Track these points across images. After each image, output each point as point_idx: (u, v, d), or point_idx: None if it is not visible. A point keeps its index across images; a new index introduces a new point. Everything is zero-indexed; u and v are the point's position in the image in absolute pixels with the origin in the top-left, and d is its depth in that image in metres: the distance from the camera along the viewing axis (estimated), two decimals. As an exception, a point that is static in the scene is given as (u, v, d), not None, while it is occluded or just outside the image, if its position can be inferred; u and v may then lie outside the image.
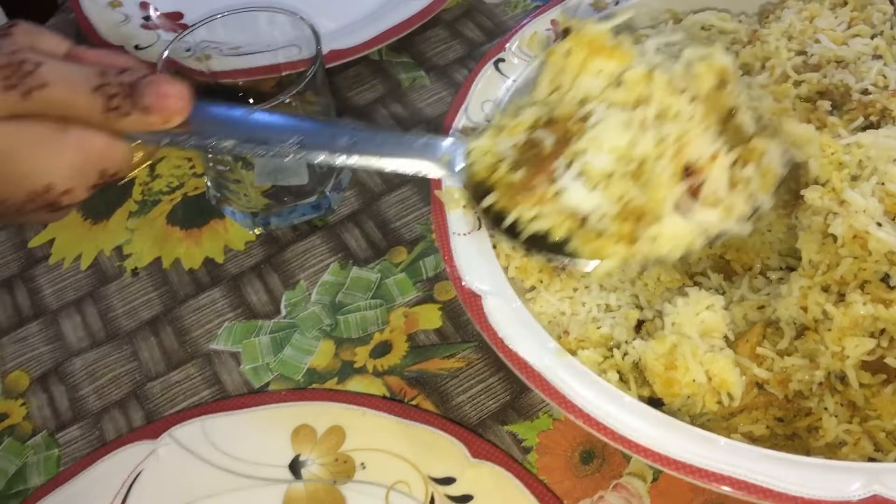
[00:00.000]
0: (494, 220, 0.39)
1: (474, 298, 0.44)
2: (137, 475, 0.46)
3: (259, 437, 0.47)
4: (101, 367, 0.54)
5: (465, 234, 0.47)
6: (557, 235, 0.38)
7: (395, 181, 0.61)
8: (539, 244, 0.39)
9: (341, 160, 0.39)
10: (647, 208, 0.37)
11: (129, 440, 0.48)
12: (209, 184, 0.59)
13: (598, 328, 0.46)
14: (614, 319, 0.46)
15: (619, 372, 0.44)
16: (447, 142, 0.41)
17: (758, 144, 0.38)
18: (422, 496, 0.44)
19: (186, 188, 0.63)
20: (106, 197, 0.63)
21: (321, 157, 0.39)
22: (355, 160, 0.39)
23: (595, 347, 0.45)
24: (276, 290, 0.57)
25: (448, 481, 0.44)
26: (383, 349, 0.53)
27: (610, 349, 0.45)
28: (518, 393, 0.50)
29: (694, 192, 0.37)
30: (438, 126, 0.54)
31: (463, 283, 0.45)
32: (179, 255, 0.59)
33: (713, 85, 0.38)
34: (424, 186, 0.60)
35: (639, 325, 0.47)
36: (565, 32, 0.40)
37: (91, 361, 0.55)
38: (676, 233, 0.37)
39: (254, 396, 0.50)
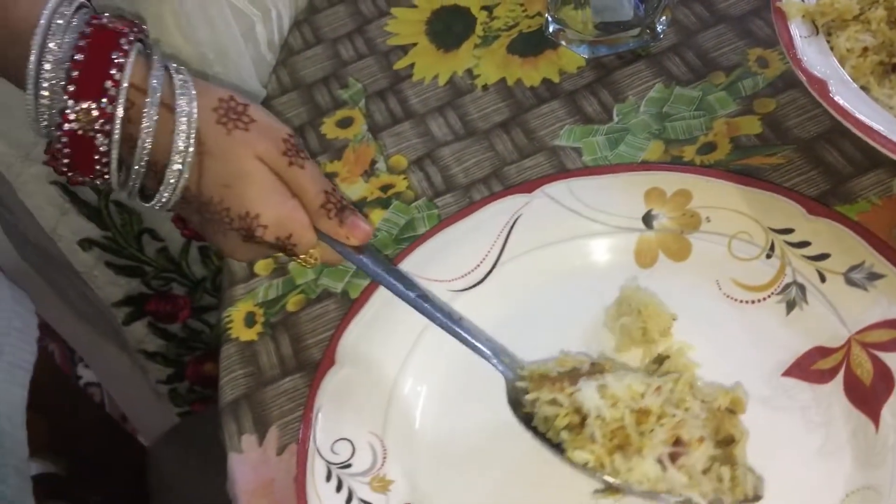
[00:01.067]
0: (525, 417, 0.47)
1: (821, 84, 0.52)
2: (518, 218, 0.58)
3: (617, 195, 0.57)
4: (465, 154, 0.66)
5: (804, 37, 0.55)
6: (561, 423, 0.45)
7: (711, 21, 0.69)
8: (542, 435, 0.46)
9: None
10: (634, 441, 0.43)
11: (510, 193, 0.59)
12: (549, 17, 0.70)
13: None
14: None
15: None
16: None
17: (739, 468, 0.44)
18: (762, 242, 0.53)
19: (521, 27, 0.74)
20: (454, 31, 0.75)
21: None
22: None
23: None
24: (608, 103, 0.67)
25: (787, 231, 0.53)
26: (708, 148, 0.62)
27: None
28: (837, 183, 0.57)
29: (674, 457, 0.43)
30: None
31: (808, 68, 0.53)
32: (521, 76, 0.71)
33: (725, 406, 0.45)
34: (741, 22, 0.68)
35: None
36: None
37: (456, 150, 0.67)
38: (648, 472, 0.43)
39: (610, 166, 0.60)
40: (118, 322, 0.96)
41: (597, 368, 0.47)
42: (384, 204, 0.65)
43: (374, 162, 0.68)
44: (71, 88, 0.43)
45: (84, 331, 0.99)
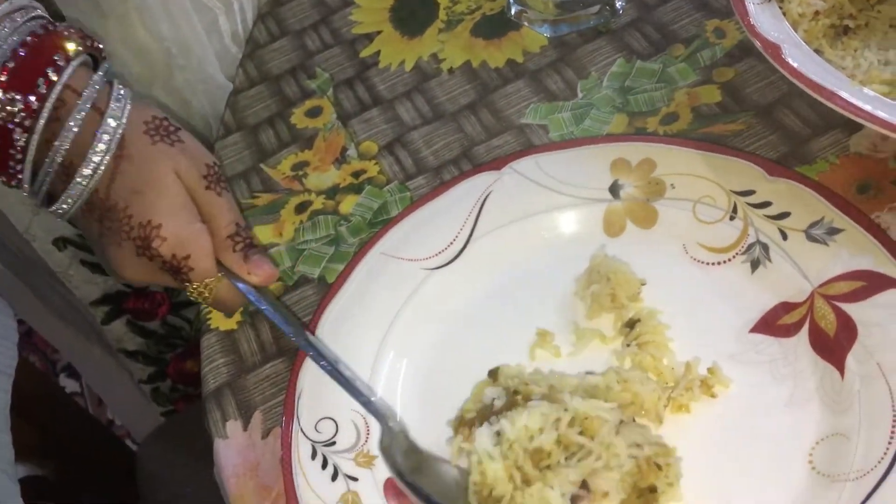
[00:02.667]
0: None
1: (775, 48, 0.53)
2: (488, 195, 0.59)
3: (583, 167, 0.58)
4: (435, 137, 0.67)
5: (758, 4, 0.57)
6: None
7: (669, -5, 0.71)
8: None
9: None
10: (535, 479, 0.44)
11: (479, 171, 0.60)
12: (511, 0, 0.71)
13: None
14: None
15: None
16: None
17: None
18: (725, 205, 0.54)
19: (484, 9, 0.75)
20: (418, 17, 0.76)
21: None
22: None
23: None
24: (572, 79, 0.68)
25: (748, 193, 0.54)
26: (671, 118, 0.63)
27: None
28: (796, 145, 0.59)
29: (576, 499, 0.44)
30: None
31: (762, 34, 0.54)
32: (485, 58, 0.72)
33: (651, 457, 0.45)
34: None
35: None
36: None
37: (425, 133, 0.68)
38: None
39: (576, 140, 0.61)
40: (97, 322, 0.96)
41: (513, 401, 0.48)
42: (357, 189, 0.65)
43: (344, 149, 0.69)
44: (2, 78, 0.43)
45: (66, 333, 0.99)
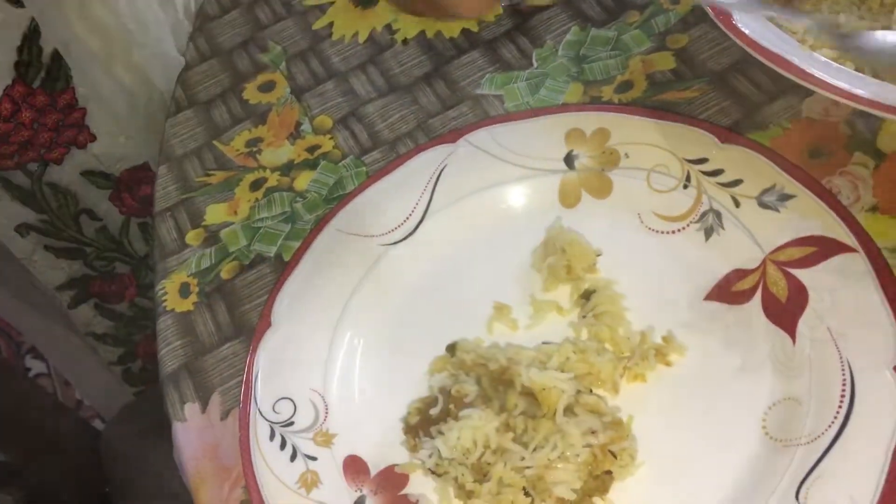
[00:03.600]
0: None
1: (725, 14, 0.53)
2: (443, 168, 0.58)
3: (538, 138, 0.58)
4: (390, 109, 0.67)
5: (708, -31, 0.56)
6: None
7: (623, -40, 0.70)
8: None
9: None
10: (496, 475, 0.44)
11: (434, 144, 0.60)
12: (464, -33, 0.70)
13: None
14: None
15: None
16: None
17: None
18: (679, 173, 0.54)
19: (438, -22, 0.74)
20: (371, -11, 0.74)
21: None
22: None
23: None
24: (527, 49, 0.67)
25: (701, 161, 0.54)
26: (626, 87, 0.63)
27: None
28: (749, 111, 0.59)
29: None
30: None
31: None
32: (440, 28, 0.71)
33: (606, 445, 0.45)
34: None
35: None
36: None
37: (380, 107, 0.67)
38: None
39: (530, 111, 0.60)
40: (64, 306, 0.95)
41: (447, 410, 0.48)
42: (312, 165, 0.65)
43: (299, 124, 0.68)
44: None
45: (32, 317, 0.98)
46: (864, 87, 0.48)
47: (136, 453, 0.84)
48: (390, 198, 0.57)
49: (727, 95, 0.60)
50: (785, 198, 0.51)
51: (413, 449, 0.47)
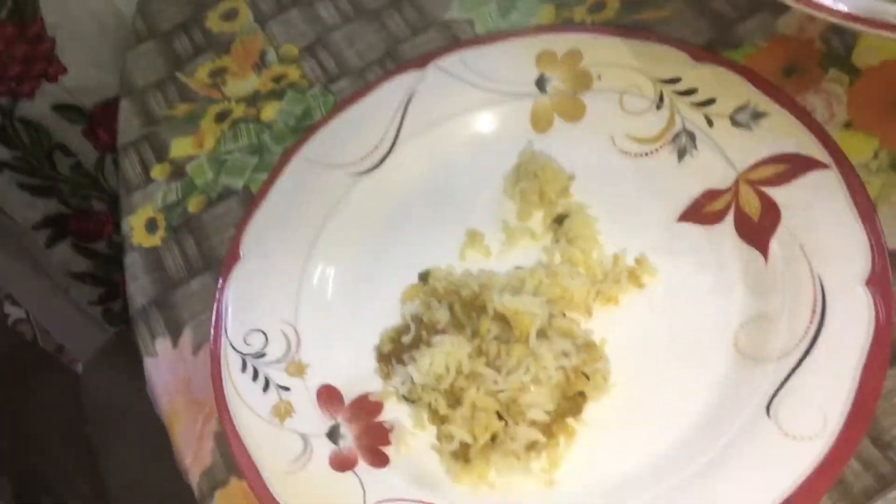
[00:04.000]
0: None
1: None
2: (413, 94, 0.57)
3: (508, 62, 0.57)
4: (357, 36, 0.65)
5: None
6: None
7: None
8: None
9: None
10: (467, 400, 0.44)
11: (403, 70, 0.58)
12: None
13: None
14: None
15: None
16: None
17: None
18: (651, 94, 0.53)
19: None
20: None
21: None
22: None
23: None
24: (497, -30, 0.65)
25: (674, 80, 0.53)
26: (598, 7, 0.61)
27: None
28: (723, 29, 0.57)
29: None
30: None
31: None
32: (407, -49, 0.68)
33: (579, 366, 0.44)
34: None
35: None
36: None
37: (347, 34, 0.65)
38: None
39: (500, 34, 0.59)
40: (41, 246, 0.94)
41: (419, 337, 0.47)
42: (278, 95, 0.63)
43: (263, 53, 0.66)
44: None
45: (6, 261, 0.96)
46: (843, 1, 0.46)
47: (115, 392, 0.84)
48: (359, 126, 0.56)
49: (700, 14, 0.58)
50: (758, 116, 0.50)
51: (386, 377, 0.47)
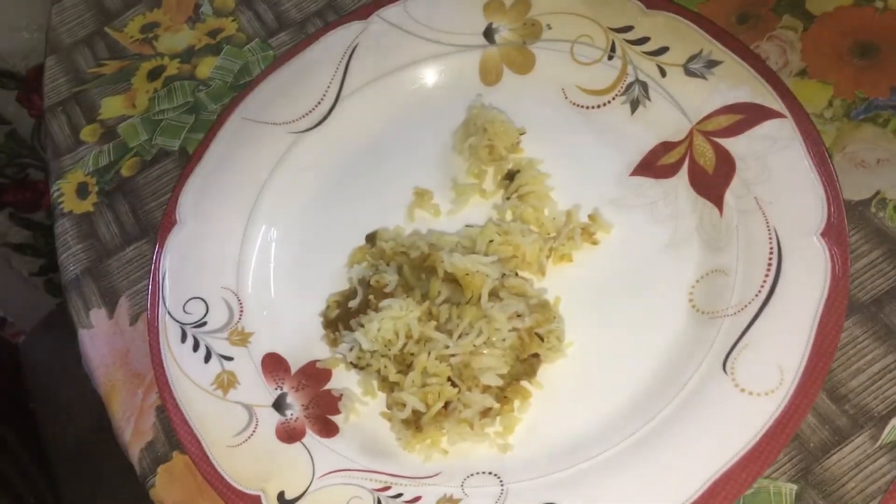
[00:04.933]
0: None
1: None
2: (355, 48, 0.54)
3: (455, 12, 0.54)
4: (293, -12, 0.62)
5: None
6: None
7: None
8: None
9: None
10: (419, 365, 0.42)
11: (343, 22, 0.55)
12: None
13: None
14: None
15: None
16: None
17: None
18: (603, 44, 0.52)
19: None
20: None
21: None
22: None
23: None
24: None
25: (626, 29, 0.51)
26: (548, -46, 0.59)
27: None
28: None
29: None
30: None
31: None
32: None
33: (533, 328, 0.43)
34: None
35: None
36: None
37: (284, -15, 0.62)
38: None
39: (445, -18, 0.56)
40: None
41: (366, 301, 0.45)
42: (214, 50, 0.60)
43: (198, 6, 0.62)
44: None
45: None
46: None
47: (56, 363, 0.81)
48: (299, 82, 0.53)
49: (653, -41, 0.56)
50: (712, 64, 0.49)
51: (333, 343, 0.45)
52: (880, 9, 0.51)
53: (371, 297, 0.44)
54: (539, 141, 0.51)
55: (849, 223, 0.44)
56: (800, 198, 0.44)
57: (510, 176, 0.50)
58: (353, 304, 0.45)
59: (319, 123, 0.53)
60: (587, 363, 0.44)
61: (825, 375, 0.40)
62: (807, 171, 0.44)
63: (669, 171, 0.48)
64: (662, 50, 0.50)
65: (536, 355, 0.44)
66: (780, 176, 0.45)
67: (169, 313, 0.47)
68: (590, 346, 0.45)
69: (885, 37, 0.50)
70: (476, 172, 0.51)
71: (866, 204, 0.46)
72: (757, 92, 0.47)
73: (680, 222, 0.47)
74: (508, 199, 0.49)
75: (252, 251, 0.50)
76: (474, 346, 0.43)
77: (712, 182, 0.47)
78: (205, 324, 0.47)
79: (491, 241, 0.46)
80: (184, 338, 0.46)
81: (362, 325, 0.43)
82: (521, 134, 0.51)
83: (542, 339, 0.43)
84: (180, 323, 0.47)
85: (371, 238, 0.49)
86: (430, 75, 0.54)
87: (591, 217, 0.48)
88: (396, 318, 0.43)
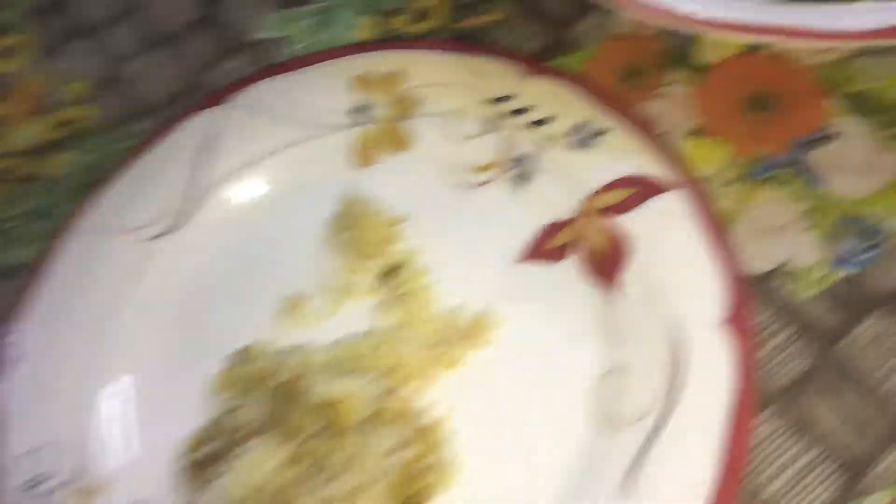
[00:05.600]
0: None
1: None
2: (208, 139, 0.49)
3: (321, 90, 0.49)
4: (155, 65, 0.56)
5: None
6: None
7: None
8: None
9: None
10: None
11: (196, 109, 0.50)
12: None
13: None
14: None
15: None
16: None
17: None
18: (482, 116, 0.47)
19: None
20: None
21: None
22: None
23: None
24: (309, -22, 0.58)
25: (506, 99, 0.47)
26: (423, 15, 0.54)
27: None
28: (560, 30, 0.52)
29: None
30: None
31: None
32: (207, -39, 0.60)
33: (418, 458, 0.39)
34: None
35: None
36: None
37: (144, 64, 0.57)
38: None
39: (311, 56, 0.51)
40: None
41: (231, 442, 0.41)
42: (68, 144, 0.54)
43: (48, 94, 0.57)
44: None
45: None
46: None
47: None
48: (146, 183, 0.48)
49: (535, 14, 0.53)
50: (598, 134, 0.45)
51: (198, 491, 0.40)
52: (770, 56, 0.47)
53: (234, 436, 0.39)
54: (421, 228, 0.46)
55: (757, 300, 0.41)
56: (697, 283, 0.40)
57: (389, 272, 0.45)
58: (208, 449, 0.39)
59: (173, 229, 0.47)
60: (483, 488, 0.39)
61: (740, 484, 0.36)
62: (704, 251, 0.40)
63: (559, 255, 0.44)
64: (544, 120, 0.46)
65: (427, 487, 0.39)
66: (676, 257, 0.41)
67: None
68: (486, 467, 0.40)
69: (780, 86, 0.46)
70: (353, 269, 0.46)
71: (773, 275, 0.42)
72: (647, 162, 0.43)
73: (574, 313, 0.43)
74: (388, 299, 0.44)
75: (102, 391, 0.44)
76: (352, 486, 0.38)
77: (606, 266, 0.42)
78: (45, 480, 0.41)
79: (368, 353, 0.41)
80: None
81: (221, 475, 0.38)
82: (401, 222, 0.47)
83: (428, 472, 0.38)
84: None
85: (238, 357, 0.44)
86: (296, 163, 0.49)
87: (479, 314, 0.43)
88: (256, 466, 0.37)
